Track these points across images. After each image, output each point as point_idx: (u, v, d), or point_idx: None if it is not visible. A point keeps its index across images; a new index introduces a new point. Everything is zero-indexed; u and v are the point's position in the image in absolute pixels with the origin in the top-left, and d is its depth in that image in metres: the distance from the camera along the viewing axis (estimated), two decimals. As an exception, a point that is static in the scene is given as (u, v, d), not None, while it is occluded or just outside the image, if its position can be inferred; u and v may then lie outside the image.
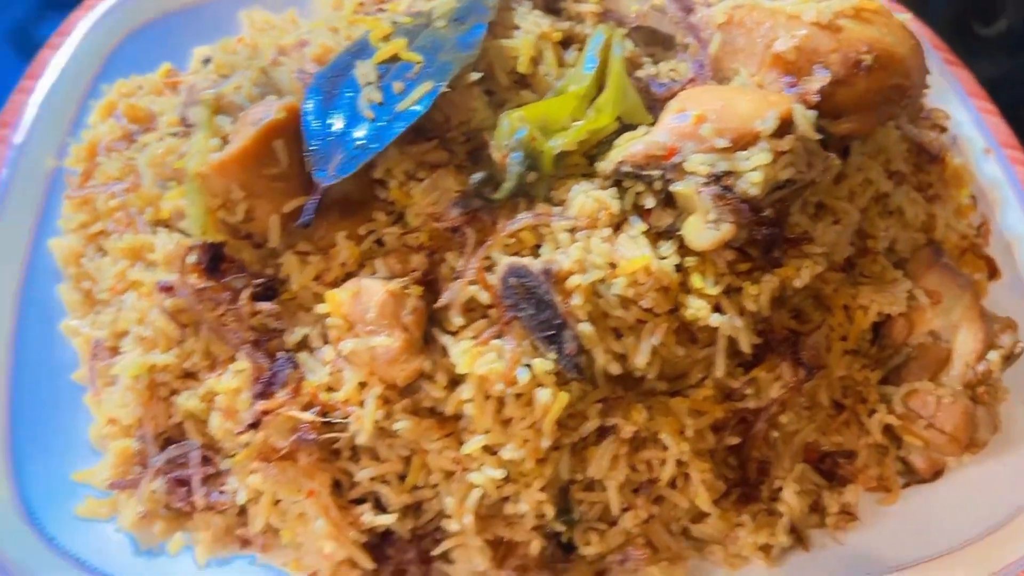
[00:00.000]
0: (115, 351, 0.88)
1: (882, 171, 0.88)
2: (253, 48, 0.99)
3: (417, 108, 0.73)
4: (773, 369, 0.80)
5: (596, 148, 0.81)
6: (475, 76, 0.78)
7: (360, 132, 0.75)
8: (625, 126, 0.81)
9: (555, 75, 0.85)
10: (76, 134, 1.01)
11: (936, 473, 0.87)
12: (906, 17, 0.83)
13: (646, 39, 0.90)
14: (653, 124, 0.80)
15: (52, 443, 0.84)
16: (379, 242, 0.80)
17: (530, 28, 0.86)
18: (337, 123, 0.75)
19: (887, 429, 0.86)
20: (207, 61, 1.04)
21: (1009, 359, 0.87)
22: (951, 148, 0.99)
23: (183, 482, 0.78)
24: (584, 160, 0.80)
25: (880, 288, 0.85)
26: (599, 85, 0.83)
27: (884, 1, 0.84)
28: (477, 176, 0.73)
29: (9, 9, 1.25)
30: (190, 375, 0.81)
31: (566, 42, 0.88)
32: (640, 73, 0.86)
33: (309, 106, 0.76)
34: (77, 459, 0.84)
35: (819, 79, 0.78)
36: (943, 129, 1.01)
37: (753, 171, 0.71)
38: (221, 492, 0.78)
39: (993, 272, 0.98)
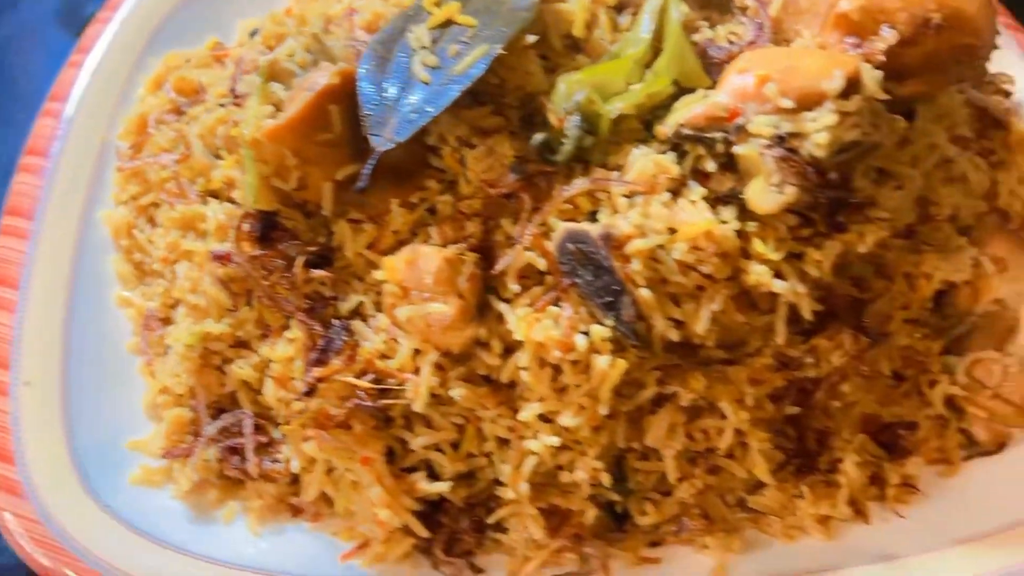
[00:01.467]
0: (167, 321, 0.88)
1: (946, 136, 0.85)
2: (301, 18, 0.99)
3: (473, 71, 0.72)
4: (834, 337, 0.77)
5: (653, 113, 0.79)
6: (531, 39, 0.77)
7: (415, 96, 0.73)
8: (683, 90, 0.80)
9: (610, 39, 0.84)
10: (125, 107, 1.02)
11: (1000, 444, 0.85)
12: (975, -29, 0.80)
13: (701, 2, 0.88)
14: (712, 87, 0.79)
15: (107, 413, 0.83)
16: (431, 210, 0.80)
17: (583, -12, 0.84)
18: (392, 88, 0.74)
19: (949, 400, 0.83)
20: (254, 33, 1.03)
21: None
22: (1016, 113, 0.96)
23: (236, 451, 0.78)
24: (640, 125, 0.79)
25: (944, 255, 0.82)
26: (656, 49, 0.82)
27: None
28: (538, 137, 0.72)
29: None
30: (243, 344, 0.81)
31: (620, 7, 0.87)
32: (696, 37, 0.85)
33: (363, 71, 0.75)
34: (131, 429, 0.83)
35: (885, 39, 0.75)
36: (1007, 94, 0.98)
37: (819, 132, 0.69)
38: (274, 461, 0.77)
39: (1060, 240, 0.96)
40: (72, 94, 0.99)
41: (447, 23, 0.79)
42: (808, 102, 0.71)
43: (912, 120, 0.83)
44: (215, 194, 0.88)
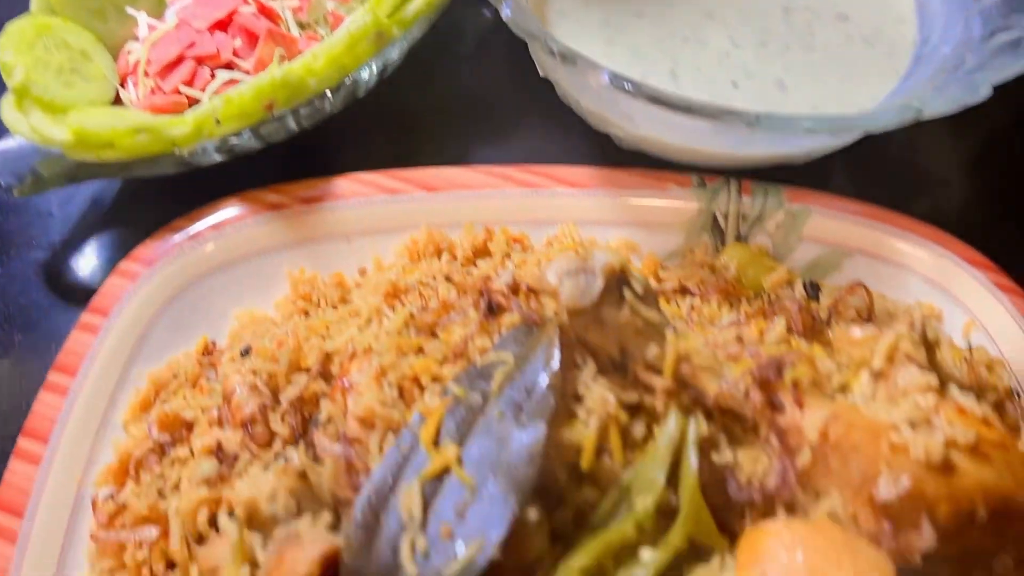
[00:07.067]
0: None
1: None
2: (296, 351, 0.93)
3: (463, 586, 0.67)
4: None
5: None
6: (533, 517, 0.71)
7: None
8: (694, 547, 0.74)
9: (620, 464, 0.78)
10: (107, 432, 0.97)
11: None
12: (1033, 444, 0.73)
13: (724, 413, 0.81)
14: (727, 549, 0.73)
15: None
16: None
17: (595, 406, 0.78)
18: (376, 577, 0.69)
19: None
20: (246, 353, 0.98)
21: None
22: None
23: None
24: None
25: None
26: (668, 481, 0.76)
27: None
28: None
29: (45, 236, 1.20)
30: None
31: (633, 410, 0.81)
32: (715, 458, 0.78)
33: (348, 557, 0.69)
34: None
35: (923, 538, 0.69)
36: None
37: None
38: None
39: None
40: (50, 434, 0.93)
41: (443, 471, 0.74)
42: (833, 637, 0.65)
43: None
44: (193, 589, 0.83)
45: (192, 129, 1.05)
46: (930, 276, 1.08)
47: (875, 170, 1.24)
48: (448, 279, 0.98)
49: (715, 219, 1.13)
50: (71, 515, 0.90)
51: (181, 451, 0.92)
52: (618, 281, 0.81)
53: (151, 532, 0.85)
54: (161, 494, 0.89)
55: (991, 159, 1.32)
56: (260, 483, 0.74)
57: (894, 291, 1.09)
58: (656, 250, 1.12)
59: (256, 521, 0.73)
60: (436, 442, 0.74)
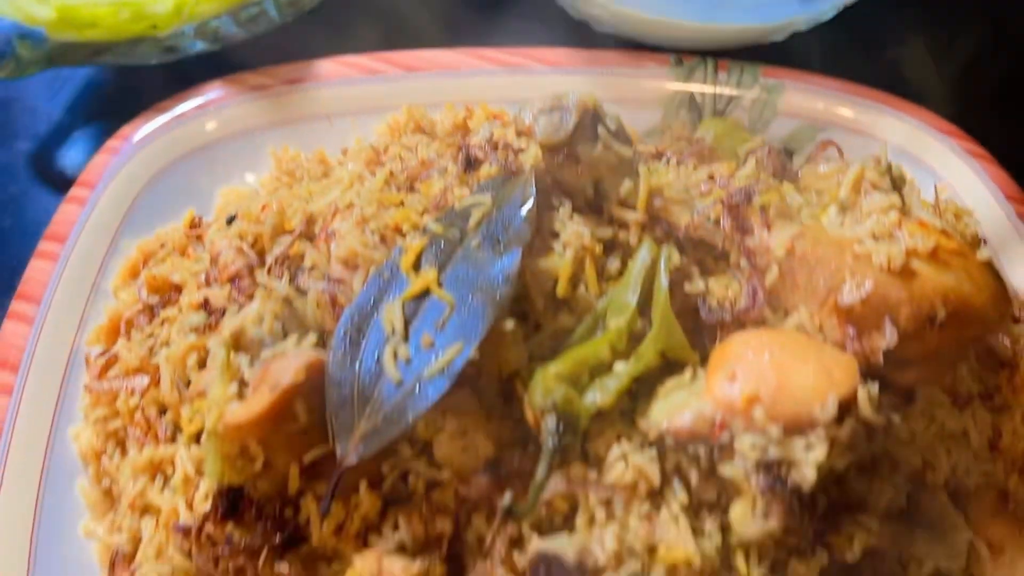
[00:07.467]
0: (133, 557, 0.86)
1: (948, 404, 0.81)
2: (280, 214, 0.95)
3: (443, 381, 0.69)
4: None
5: (636, 385, 0.76)
6: (509, 325, 0.73)
7: (383, 404, 0.70)
8: (668, 362, 0.77)
9: (595, 293, 0.80)
10: (97, 300, 0.99)
11: None
12: (986, 256, 0.75)
13: (696, 245, 0.84)
14: (699, 363, 0.76)
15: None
16: (403, 477, 0.77)
17: (570, 239, 0.80)
18: (360, 385, 0.71)
19: None
20: (231, 221, 1.00)
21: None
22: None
23: None
24: (619, 415, 0.75)
25: (937, 537, 0.79)
26: (641, 310, 0.79)
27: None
28: (507, 499, 0.69)
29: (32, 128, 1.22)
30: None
31: (608, 247, 0.83)
32: (688, 288, 0.81)
33: (333, 363, 0.72)
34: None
35: (885, 338, 0.71)
36: (1017, 319, 0.94)
37: (808, 465, 0.66)
38: None
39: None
40: (42, 296, 0.95)
41: (423, 293, 0.76)
42: (799, 426, 0.68)
43: (913, 398, 0.80)
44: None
45: (173, 7, 1.06)
46: (902, 145, 1.11)
47: (850, 57, 1.26)
48: (426, 133, 1.00)
49: (692, 96, 1.15)
50: (65, 373, 0.92)
51: (170, 312, 0.94)
52: (592, 118, 0.83)
53: (142, 380, 0.88)
54: (152, 352, 0.91)
55: (966, 44, 1.34)
56: (246, 311, 0.77)
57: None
58: (635, 127, 1.14)
59: (243, 343, 0.76)
60: (416, 268, 0.77)
